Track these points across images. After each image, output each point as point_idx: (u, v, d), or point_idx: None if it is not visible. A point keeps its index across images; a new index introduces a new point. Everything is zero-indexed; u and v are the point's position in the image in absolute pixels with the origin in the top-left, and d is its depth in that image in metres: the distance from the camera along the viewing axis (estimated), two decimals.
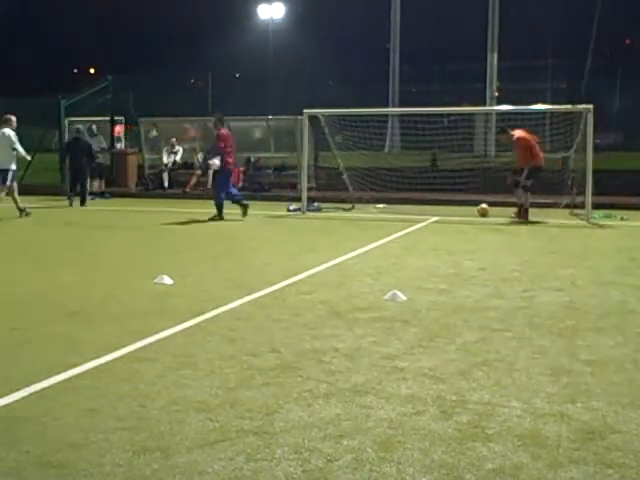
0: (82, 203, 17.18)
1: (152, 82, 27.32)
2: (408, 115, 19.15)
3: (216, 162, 15.57)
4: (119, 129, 22.31)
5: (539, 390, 4.36)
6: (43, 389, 4.34)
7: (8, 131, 14.47)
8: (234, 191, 14.26)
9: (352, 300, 6.82)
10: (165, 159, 20.46)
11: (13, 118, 14.76)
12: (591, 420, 3.90)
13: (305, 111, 16.16)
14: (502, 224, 13.28)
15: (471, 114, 20.26)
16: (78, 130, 17.99)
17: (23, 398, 4.19)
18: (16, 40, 66.26)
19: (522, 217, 13.83)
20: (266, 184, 19.56)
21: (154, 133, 21.59)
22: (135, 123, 22.56)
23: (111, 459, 3.41)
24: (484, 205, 14.28)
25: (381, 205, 16.36)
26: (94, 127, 19.67)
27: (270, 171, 20.67)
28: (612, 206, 15.20)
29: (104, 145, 19.71)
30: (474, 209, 14.68)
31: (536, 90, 29.42)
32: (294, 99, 25.11)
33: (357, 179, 16.91)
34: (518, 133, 14.06)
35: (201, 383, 4.47)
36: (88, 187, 17.69)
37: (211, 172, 17.74)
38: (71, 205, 16.93)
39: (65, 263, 9.08)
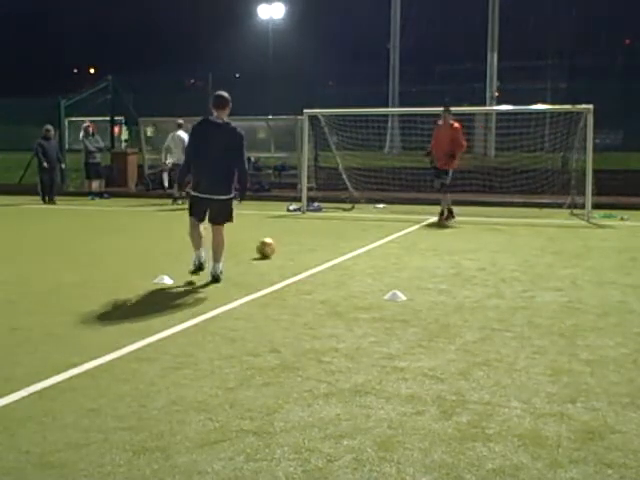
0: (52, 199, 17.70)
1: (152, 82, 27.31)
2: (408, 115, 19.11)
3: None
4: (117, 129, 22.29)
5: (539, 390, 4.36)
6: (43, 389, 4.34)
7: (182, 133, 16.61)
8: None
9: (352, 300, 6.82)
10: (164, 159, 20.42)
11: (182, 121, 17.39)
12: (591, 420, 3.90)
13: (305, 111, 16.16)
14: (500, 224, 13.27)
15: (471, 114, 20.25)
16: (47, 130, 17.98)
17: (23, 398, 4.19)
18: (16, 40, 66.25)
19: (446, 219, 13.38)
20: (266, 184, 19.56)
21: (149, 133, 21.57)
22: (135, 123, 22.56)
23: (111, 459, 3.41)
24: (267, 240, 9.50)
25: (381, 205, 16.36)
26: (90, 128, 19.64)
27: (270, 171, 20.68)
28: (612, 206, 15.21)
29: (101, 145, 19.66)
30: (474, 209, 14.68)
31: (536, 90, 29.44)
32: (294, 99, 25.09)
33: (357, 179, 16.91)
34: (453, 122, 13.42)
35: (201, 383, 4.47)
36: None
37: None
38: (46, 202, 17.64)
39: (65, 263, 9.08)
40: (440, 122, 13.71)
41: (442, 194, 13.60)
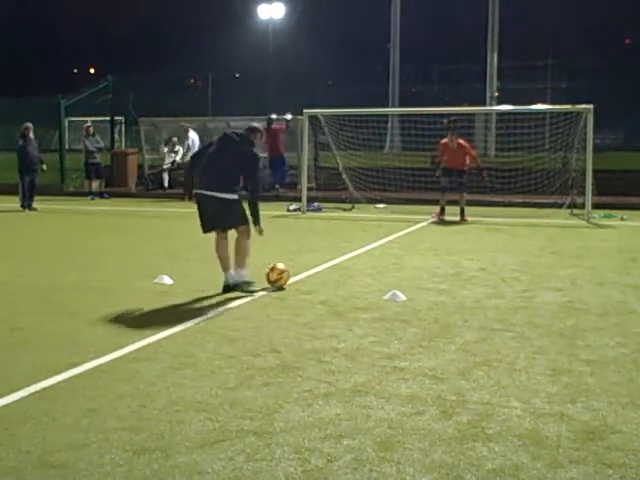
0: (30, 206, 15.98)
1: (152, 82, 27.29)
2: (408, 115, 19.11)
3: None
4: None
5: (539, 390, 4.36)
6: (43, 389, 4.34)
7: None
8: None
9: (352, 300, 6.82)
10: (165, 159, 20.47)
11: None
12: (591, 420, 3.90)
13: (305, 111, 16.16)
14: (500, 224, 13.27)
15: (471, 114, 20.25)
16: (26, 128, 16.13)
17: (23, 398, 4.19)
18: (16, 40, 66.23)
19: (440, 216, 13.98)
20: (266, 184, 19.55)
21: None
22: (135, 123, 22.56)
23: (111, 459, 3.41)
24: (280, 265, 7.49)
25: (381, 205, 16.36)
26: (91, 128, 19.64)
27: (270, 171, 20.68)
28: (612, 206, 15.21)
29: (101, 145, 19.64)
30: (474, 209, 14.67)
31: (536, 90, 29.40)
32: (294, 99, 25.07)
33: (357, 179, 16.91)
34: (460, 141, 14.04)
35: (201, 383, 4.47)
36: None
37: None
38: (24, 208, 15.87)
39: (65, 263, 9.08)
40: (446, 140, 14.10)
41: (460, 193, 14.11)
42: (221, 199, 7.13)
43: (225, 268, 7.30)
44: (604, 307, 6.55)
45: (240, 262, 7.23)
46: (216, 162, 7.24)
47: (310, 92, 29.56)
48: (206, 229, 7.38)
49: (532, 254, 9.75)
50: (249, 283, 7.19)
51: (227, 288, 7.21)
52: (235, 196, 7.19)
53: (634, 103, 24.87)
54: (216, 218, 7.25)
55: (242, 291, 7.08)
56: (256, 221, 7.28)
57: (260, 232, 7.36)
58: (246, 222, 7.27)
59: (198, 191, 7.32)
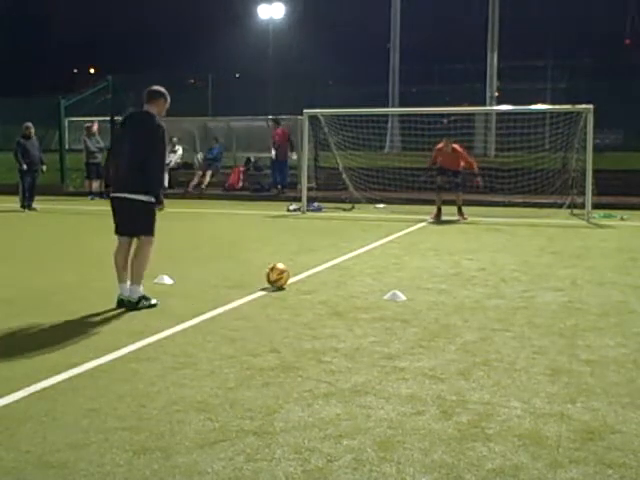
0: (30, 206, 15.98)
1: (152, 82, 27.32)
2: (408, 115, 19.14)
3: None
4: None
5: (539, 390, 4.36)
6: (43, 389, 4.34)
7: None
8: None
9: (352, 300, 6.82)
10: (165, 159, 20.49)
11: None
12: (591, 420, 3.90)
13: (305, 111, 16.18)
14: (500, 224, 13.28)
15: (471, 114, 20.26)
16: (27, 128, 16.13)
17: (23, 398, 4.19)
18: (16, 40, 66.23)
19: (437, 217, 14.14)
20: (266, 184, 19.58)
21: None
22: None
23: (111, 459, 3.41)
24: (280, 265, 7.49)
25: (381, 205, 16.37)
26: (92, 128, 19.64)
27: (270, 171, 20.71)
28: (612, 206, 15.22)
29: (102, 145, 19.63)
30: (474, 209, 14.68)
31: (536, 90, 29.42)
32: (294, 99, 25.11)
33: (357, 179, 16.92)
34: (454, 145, 14.16)
35: (201, 383, 4.47)
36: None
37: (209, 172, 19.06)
38: (24, 209, 15.89)
39: (65, 263, 9.08)
40: (441, 145, 14.21)
41: (456, 193, 14.27)
42: (132, 201, 6.44)
43: (122, 279, 6.56)
44: (604, 307, 6.55)
45: (137, 277, 6.50)
46: (118, 155, 6.61)
47: (310, 92, 29.59)
48: (118, 231, 6.69)
49: (532, 254, 9.75)
50: (147, 297, 6.52)
51: (122, 303, 6.48)
52: (149, 198, 6.48)
53: (634, 103, 24.89)
54: (128, 222, 6.57)
55: (140, 308, 6.39)
56: (158, 198, 6.58)
57: (161, 209, 6.69)
58: (152, 233, 6.65)
59: (112, 194, 6.64)
